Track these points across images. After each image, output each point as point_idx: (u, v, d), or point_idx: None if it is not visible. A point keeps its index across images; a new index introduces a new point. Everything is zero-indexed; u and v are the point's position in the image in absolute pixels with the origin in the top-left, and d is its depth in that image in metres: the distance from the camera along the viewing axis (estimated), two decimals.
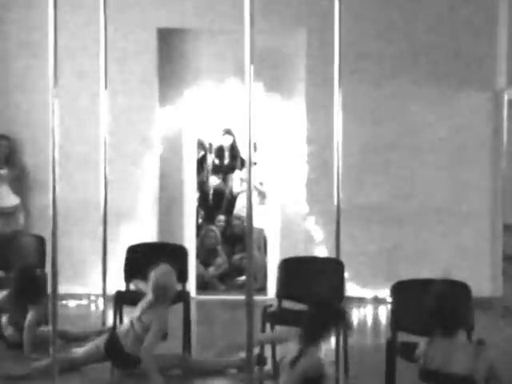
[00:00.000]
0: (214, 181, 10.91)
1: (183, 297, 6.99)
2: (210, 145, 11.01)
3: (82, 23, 9.08)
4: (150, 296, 6.20)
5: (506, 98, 9.24)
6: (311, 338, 5.20)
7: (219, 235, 10.37)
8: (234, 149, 10.92)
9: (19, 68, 9.35)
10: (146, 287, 6.27)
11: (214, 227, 10.43)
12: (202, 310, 8.92)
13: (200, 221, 10.50)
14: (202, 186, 10.74)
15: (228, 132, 10.85)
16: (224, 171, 11.00)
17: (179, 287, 7.18)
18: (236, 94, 9.05)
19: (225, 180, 11.01)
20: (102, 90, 6.99)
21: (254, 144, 9.86)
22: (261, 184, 10.28)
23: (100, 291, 7.49)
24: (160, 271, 6.19)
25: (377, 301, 9.18)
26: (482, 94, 9.30)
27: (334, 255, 6.86)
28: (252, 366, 4.67)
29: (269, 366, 6.20)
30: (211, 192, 10.93)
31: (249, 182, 4.47)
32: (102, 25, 6.93)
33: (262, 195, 10.23)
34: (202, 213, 10.79)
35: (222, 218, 10.76)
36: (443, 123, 9.35)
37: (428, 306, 4.85)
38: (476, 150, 9.39)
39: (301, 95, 9.43)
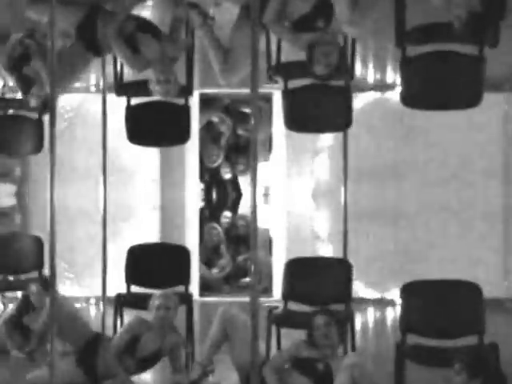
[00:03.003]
0: (224, 173, 10.79)
1: (186, 299, 6.90)
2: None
3: None
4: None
5: None
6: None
7: (222, 233, 10.32)
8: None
9: None
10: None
11: (216, 225, 10.39)
12: (206, 312, 8.85)
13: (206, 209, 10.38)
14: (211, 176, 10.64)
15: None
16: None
17: (181, 289, 7.12)
18: None
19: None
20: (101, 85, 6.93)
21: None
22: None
23: (100, 293, 7.42)
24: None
25: (384, 302, 9.14)
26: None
27: (341, 255, 6.82)
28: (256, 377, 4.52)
29: None
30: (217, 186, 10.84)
31: (254, 181, 4.36)
32: None
33: None
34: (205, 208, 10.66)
35: (227, 214, 10.68)
36: (455, 121, 9.25)
37: None
38: (486, 140, 9.31)
39: None
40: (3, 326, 6.76)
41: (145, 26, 5.80)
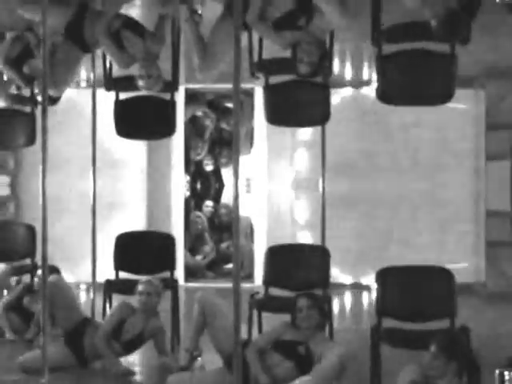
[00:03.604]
0: (206, 165, 10.87)
1: (171, 285, 7.05)
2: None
3: None
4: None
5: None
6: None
7: (206, 222, 10.39)
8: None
9: None
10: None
11: (200, 214, 10.46)
12: (191, 297, 8.93)
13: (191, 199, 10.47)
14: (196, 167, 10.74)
15: None
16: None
17: (167, 275, 7.26)
18: None
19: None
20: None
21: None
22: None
23: (90, 280, 7.51)
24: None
25: (360, 287, 9.24)
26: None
27: (319, 242, 6.92)
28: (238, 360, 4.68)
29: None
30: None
31: (236, 170, 4.49)
32: None
33: None
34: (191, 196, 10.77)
35: (209, 203, 10.76)
36: (427, 113, 9.41)
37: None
38: (458, 134, 9.49)
39: None
40: (2, 308, 6.94)
41: (130, 23, 5.96)
